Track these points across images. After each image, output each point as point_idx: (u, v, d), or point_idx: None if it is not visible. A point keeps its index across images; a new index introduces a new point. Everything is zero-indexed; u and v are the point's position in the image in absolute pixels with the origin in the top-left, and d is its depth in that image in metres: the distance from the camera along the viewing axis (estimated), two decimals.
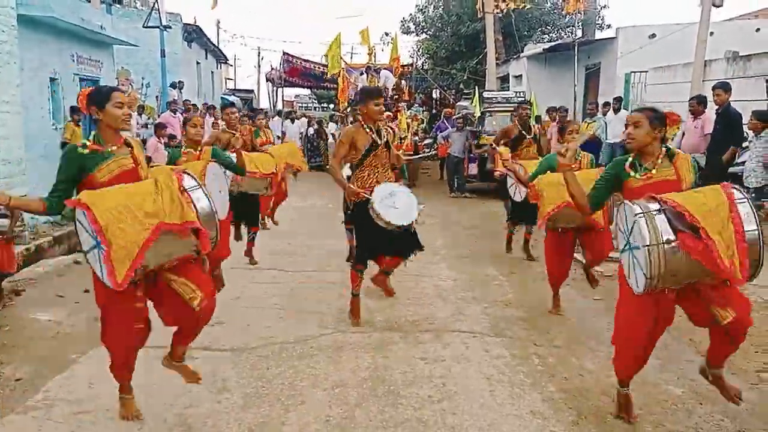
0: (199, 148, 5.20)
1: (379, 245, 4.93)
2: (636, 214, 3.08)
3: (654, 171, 3.34)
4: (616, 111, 12.25)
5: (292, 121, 18.42)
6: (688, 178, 3.35)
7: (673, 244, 3.00)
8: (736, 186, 3.15)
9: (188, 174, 3.33)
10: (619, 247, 3.37)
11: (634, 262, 3.17)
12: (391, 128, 5.27)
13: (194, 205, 3.18)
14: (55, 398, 3.76)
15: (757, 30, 15.43)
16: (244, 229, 6.99)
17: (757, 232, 3.00)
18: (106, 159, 3.22)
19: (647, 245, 3.01)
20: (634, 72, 15.11)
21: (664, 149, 3.41)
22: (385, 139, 4.95)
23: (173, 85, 17.27)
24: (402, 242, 4.91)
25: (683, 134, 9.21)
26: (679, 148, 9.17)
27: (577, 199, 3.59)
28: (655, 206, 3.09)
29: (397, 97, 17.63)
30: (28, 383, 3.98)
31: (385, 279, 5.30)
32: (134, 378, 3.65)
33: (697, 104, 8.74)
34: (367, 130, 4.89)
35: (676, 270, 3.03)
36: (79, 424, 3.46)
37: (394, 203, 4.77)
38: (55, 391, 3.85)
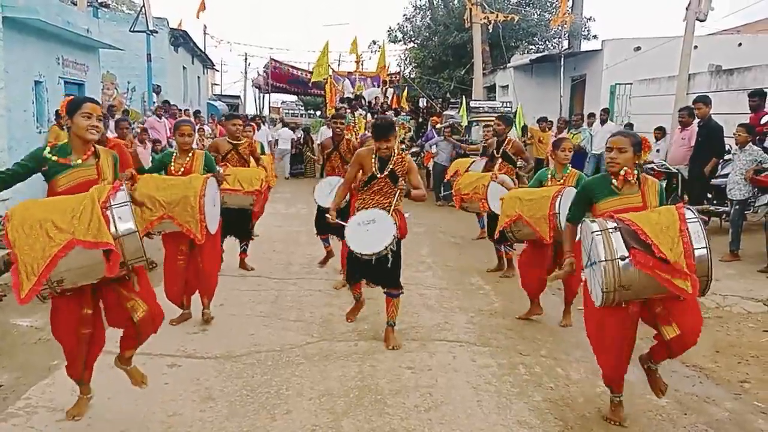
0: (190, 154, 5.18)
1: (359, 270, 4.86)
2: (593, 232, 3.32)
3: (628, 198, 3.52)
4: (603, 122, 12.37)
5: (258, 127, 17.24)
6: (653, 204, 3.52)
7: (626, 260, 3.23)
8: (690, 207, 3.36)
9: (123, 189, 3.27)
10: (583, 263, 3.59)
11: (593, 277, 3.40)
12: (404, 157, 4.90)
13: (113, 222, 3.13)
14: (37, 405, 3.70)
15: (740, 45, 15.71)
16: (228, 241, 6.80)
17: (705, 250, 3.20)
18: (67, 169, 3.33)
19: (603, 261, 3.24)
20: (619, 84, 15.28)
21: (636, 173, 3.56)
22: (386, 172, 4.77)
23: (155, 90, 17.13)
24: (377, 273, 4.79)
25: (671, 145, 9.33)
26: (665, 160, 9.30)
27: (573, 235, 3.83)
28: (612, 224, 3.31)
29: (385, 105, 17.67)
30: (8, 390, 3.91)
31: (389, 332, 4.91)
32: (117, 384, 3.61)
33: (688, 116, 8.87)
34: (374, 160, 4.80)
35: (628, 284, 3.25)
36: None
37: (368, 230, 4.65)
38: (36, 398, 3.79)
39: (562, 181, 5.29)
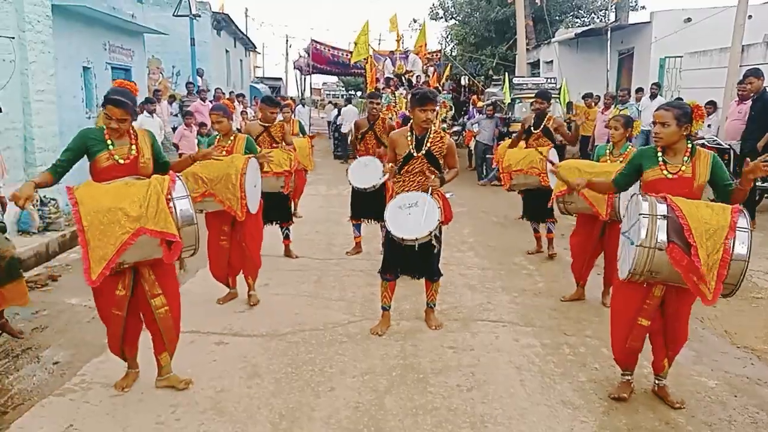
0: (232, 137, 5.28)
1: (397, 259, 4.59)
2: (641, 213, 3.28)
3: (676, 167, 3.47)
4: (653, 97, 12.02)
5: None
6: (702, 177, 3.44)
7: (663, 251, 3.21)
8: (744, 212, 3.25)
9: (181, 180, 3.51)
10: (622, 229, 3.60)
11: (626, 250, 3.41)
12: (442, 136, 4.59)
13: (176, 214, 3.37)
14: (92, 381, 3.85)
15: None
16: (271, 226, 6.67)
17: (744, 261, 3.14)
18: (109, 147, 3.52)
19: (640, 245, 3.23)
20: (669, 57, 14.79)
21: (689, 146, 3.49)
22: (424, 150, 4.50)
23: (198, 73, 17.32)
24: (418, 262, 4.57)
25: (726, 119, 9.01)
26: (716, 135, 8.99)
27: (601, 188, 4.00)
28: (662, 210, 3.26)
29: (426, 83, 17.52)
30: (65, 366, 4.08)
31: (429, 313, 4.90)
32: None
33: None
34: (409, 137, 4.55)
35: (657, 270, 3.28)
36: (113, 407, 3.54)
37: (410, 214, 4.39)
38: (91, 374, 3.95)
39: (621, 159, 5.01)
